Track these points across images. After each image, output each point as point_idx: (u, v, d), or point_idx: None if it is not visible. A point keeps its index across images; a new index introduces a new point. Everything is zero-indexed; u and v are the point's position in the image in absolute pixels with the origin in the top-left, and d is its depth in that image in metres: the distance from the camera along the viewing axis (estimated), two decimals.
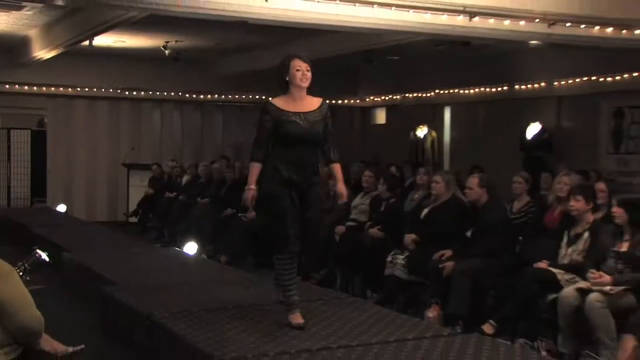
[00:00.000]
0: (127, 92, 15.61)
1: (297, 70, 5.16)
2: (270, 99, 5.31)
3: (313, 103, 5.35)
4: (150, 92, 15.81)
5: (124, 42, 12.85)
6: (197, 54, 14.52)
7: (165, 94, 15.95)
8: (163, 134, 16.43)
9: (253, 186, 5.21)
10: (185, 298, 6.26)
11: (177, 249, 10.09)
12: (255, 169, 5.26)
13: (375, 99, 17.55)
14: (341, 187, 5.66)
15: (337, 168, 5.58)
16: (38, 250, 5.88)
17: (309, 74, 5.21)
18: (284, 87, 5.30)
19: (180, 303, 6.02)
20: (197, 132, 16.82)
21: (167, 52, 13.29)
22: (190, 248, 9.80)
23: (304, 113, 5.24)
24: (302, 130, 5.20)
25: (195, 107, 16.71)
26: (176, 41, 12.85)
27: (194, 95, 16.26)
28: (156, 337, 5.52)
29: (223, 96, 16.49)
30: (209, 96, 16.41)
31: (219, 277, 7.84)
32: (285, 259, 5.28)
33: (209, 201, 12.04)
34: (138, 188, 14.61)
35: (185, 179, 13.57)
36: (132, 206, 14.58)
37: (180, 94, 16.06)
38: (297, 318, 5.26)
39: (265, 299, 6.24)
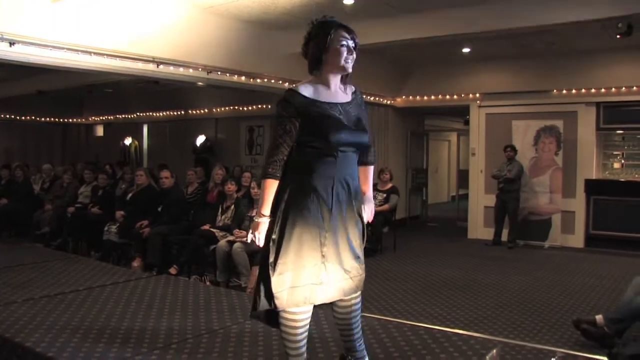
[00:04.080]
0: None
1: (342, 45, 2.48)
2: (294, 86, 2.56)
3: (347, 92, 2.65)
4: None
5: None
6: None
7: None
8: None
9: None
10: None
11: None
12: None
13: (96, 119, 16.40)
14: None
15: None
16: None
17: (354, 55, 2.55)
18: (315, 67, 2.55)
19: None
20: None
21: None
22: None
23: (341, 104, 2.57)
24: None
25: None
26: None
27: None
28: None
29: None
30: None
31: None
32: None
33: None
34: None
35: None
36: None
37: None
38: None
39: (17, 261, 5.70)
